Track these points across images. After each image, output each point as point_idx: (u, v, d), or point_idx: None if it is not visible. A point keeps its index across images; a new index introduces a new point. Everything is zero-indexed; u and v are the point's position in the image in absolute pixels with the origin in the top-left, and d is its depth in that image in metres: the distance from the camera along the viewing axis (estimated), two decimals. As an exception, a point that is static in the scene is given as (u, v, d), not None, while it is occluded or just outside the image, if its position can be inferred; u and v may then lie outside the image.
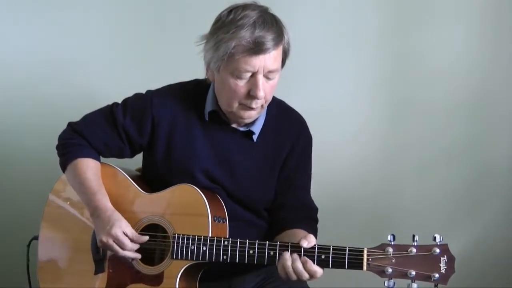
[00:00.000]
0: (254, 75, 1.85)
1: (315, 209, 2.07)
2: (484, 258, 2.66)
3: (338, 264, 1.71)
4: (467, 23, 2.62)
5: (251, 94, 1.87)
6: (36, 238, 2.10)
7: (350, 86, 2.72)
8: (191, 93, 2.03)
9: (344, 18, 2.69)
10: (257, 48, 1.81)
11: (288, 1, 2.57)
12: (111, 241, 1.87)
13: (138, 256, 1.90)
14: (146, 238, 1.90)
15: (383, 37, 2.68)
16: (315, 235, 1.91)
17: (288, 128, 2.05)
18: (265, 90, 1.87)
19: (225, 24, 1.84)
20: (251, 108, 1.90)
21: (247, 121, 1.97)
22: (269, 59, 1.84)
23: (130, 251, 1.89)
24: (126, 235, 1.87)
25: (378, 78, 2.70)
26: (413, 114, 2.69)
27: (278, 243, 1.78)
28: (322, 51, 2.69)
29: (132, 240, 1.88)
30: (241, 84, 1.86)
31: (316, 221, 2.06)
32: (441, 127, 2.67)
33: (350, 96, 2.72)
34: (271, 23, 1.84)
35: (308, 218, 2.02)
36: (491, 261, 2.66)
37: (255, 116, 1.96)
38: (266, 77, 1.87)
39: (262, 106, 1.93)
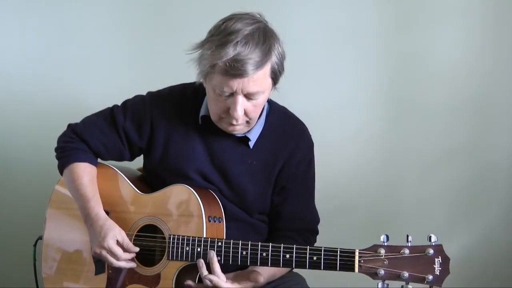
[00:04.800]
0: (233, 94, 1.80)
1: (315, 221, 2.03)
2: (484, 258, 2.63)
3: (330, 266, 1.69)
4: (468, 24, 2.59)
5: (230, 112, 1.83)
6: (42, 238, 2.11)
7: (351, 87, 2.69)
8: (190, 96, 2.01)
9: (345, 18, 2.66)
10: (233, 72, 1.75)
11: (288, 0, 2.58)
12: (104, 253, 1.88)
13: (133, 265, 1.90)
14: (137, 249, 1.90)
15: (384, 37, 2.65)
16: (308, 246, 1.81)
17: (287, 137, 1.99)
18: (247, 109, 1.82)
19: (212, 38, 1.79)
20: (233, 124, 1.87)
21: (234, 133, 1.92)
22: (248, 82, 1.77)
23: (124, 261, 1.89)
24: (118, 243, 1.88)
25: (379, 79, 2.67)
26: (413, 115, 2.66)
27: (270, 244, 1.77)
28: (322, 51, 2.66)
29: (124, 249, 1.88)
30: (221, 100, 1.82)
31: (315, 232, 2.02)
32: (441, 128, 2.64)
33: (350, 97, 2.69)
34: (257, 43, 1.76)
35: (304, 230, 1.99)
36: (491, 261, 2.63)
37: (240, 130, 1.91)
38: (247, 97, 1.82)
39: (248, 122, 1.88)
